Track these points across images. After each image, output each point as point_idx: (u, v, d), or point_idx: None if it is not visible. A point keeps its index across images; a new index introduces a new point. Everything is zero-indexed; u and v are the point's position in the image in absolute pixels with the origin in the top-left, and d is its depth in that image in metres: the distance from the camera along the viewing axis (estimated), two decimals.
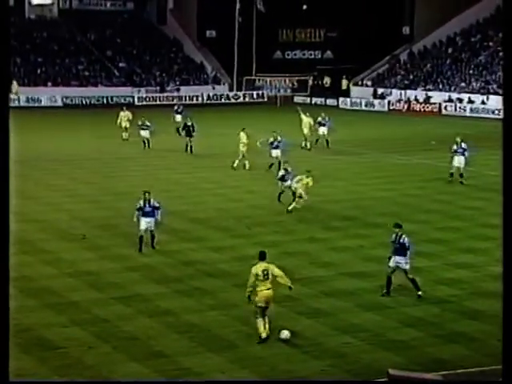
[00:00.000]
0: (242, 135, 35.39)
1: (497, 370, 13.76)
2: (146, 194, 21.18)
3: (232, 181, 32.63)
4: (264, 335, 15.08)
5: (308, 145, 40.80)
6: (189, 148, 39.00)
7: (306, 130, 40.83)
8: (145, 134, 40.14)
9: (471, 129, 51.01)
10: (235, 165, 34.70)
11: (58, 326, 15.93)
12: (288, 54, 79.75)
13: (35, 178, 32.23)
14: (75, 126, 52.14)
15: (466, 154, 31.85)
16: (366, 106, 66.12)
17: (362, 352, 14.73)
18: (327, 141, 40.84)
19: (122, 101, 65.08)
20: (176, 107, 48.62)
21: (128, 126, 43.11)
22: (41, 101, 63.04)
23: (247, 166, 34.52)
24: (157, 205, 21.11)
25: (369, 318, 16.61)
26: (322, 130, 41.22)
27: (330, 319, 16.54)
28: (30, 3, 72.41)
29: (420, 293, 17.48)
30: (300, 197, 25.91)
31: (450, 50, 70.33)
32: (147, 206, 20.99)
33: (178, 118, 46.20)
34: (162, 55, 74.11)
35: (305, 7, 79.33)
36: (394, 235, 17.77)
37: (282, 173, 28.02)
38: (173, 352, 14.70)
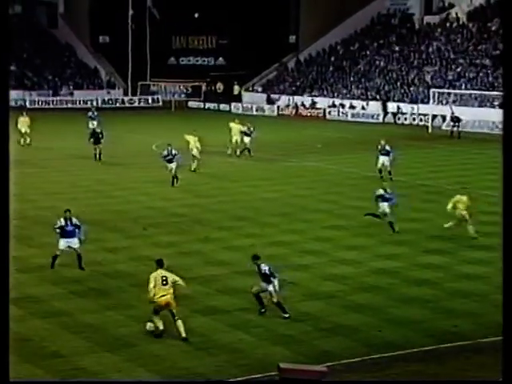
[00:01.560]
0: (191, 138, 34.51)
1: (376, 359, 14.27)
2: (67, 213, 19.34)
3: (127, 182, 32.26)
4: (161, 328, 15.19)
5: (237, 152, 39.51)
6: (97, 156, 37.26)
7: (235, 138, 39.68)
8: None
9: (352, 133, 52.53)
10: (193, 168, 33.99)
11: None
12: (182, 60, 79.60)
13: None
14: None
15: (391, 154, 33.11)
16: (257, 110, 66.81)
17: (255, 347, 14.87)
18: (249, 150, 39.90)
19: (13, 104, 63.06)
20: (90, 113, 45.24)
21: (28, 131, 41.53)
22: None
23: (193, 167, 34.07)
24: (78, 223, 19.40)
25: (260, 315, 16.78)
26: (246, 140, 40.05)
27: (225, 316, 16.62)
28: None
29: (287, 315, 16.42)
30: (465, 220, 23.05)
31: (332, 58, 72.09)
32: (69, 225, 19.17)
33: (92, 124, 43.56)
34: (53, 59, 72.41)
35: (196, 15, 79.42)
36: (256, 267, 16.85)
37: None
38: (68, 352, 14.41)
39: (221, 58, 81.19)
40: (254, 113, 66.03)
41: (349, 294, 18.28)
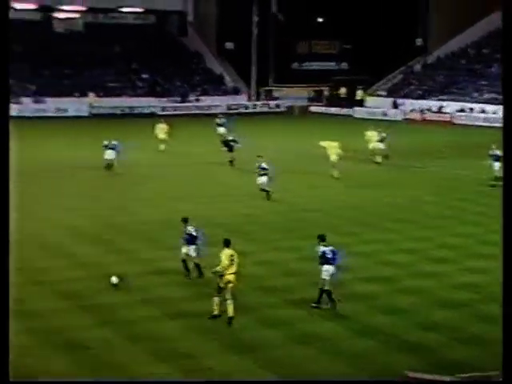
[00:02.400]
0: (329, 144, 34.48)
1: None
2: (188, 222, 19.25)
3: (253, 187, 32.58)
4: (216, 313, 16.24)
5: (378, 159, 38.96)
6: (231, 162, 37.06)
7: (372, 144, 39.26)
8: (110, 155, 35.47)
9: (481, 137, 50.86)
10: (336, 175, 33.83)
11: (89, 328, 16.05)
12: (305, 65, 79.84)
13: (60, 185, 32.54)
14: (101, 135, 52.25)
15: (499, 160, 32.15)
16: (381, 115, 66.00)
17: (379, 353, 14.72)
18: (386, 155, 38.76)
19: (145, 111, 65.46)
20: (218, 120, 45.03)
21: (165, 137, 41.96)
22: (67, 111, 63.47)
23: (336, 175, 33.94)
24: (194, 234, 19.17)
25: (386, 320, 16.61)
26: (380, 146, 39.41)
27: (348, 322, 16.56)
28: (57, 17, 73.03)
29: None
30: None
31: (463, 61, 70.11)
32: (191, 232, 19.19)
33: (221, 130, 44.03)
34: (183, 67, 74.50)
35: (320, 20, 79.48)
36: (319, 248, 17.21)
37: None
38: (198, 353, 14.76)
39: (344, 63, 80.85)
40: (378, 117, 65.27)
41: (481, 303, 17.76)
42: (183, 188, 32.55)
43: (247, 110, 69.97)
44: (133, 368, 14.05)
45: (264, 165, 29.84)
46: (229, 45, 76.68)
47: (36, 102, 63.48)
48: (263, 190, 29.76)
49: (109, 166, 35.38)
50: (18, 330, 15.62)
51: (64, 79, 67.74)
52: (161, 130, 42.59)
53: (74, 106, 63.87)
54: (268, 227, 25.37)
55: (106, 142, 35.80)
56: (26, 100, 63.29)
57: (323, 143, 35.13)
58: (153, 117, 59.56)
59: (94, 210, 27.52)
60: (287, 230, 24.81)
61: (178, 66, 74.12)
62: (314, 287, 17.72)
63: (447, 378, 10.91)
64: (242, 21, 71.17)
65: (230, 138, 38.24)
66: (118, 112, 64.98)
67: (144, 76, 71.93)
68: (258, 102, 72.00)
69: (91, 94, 65.21)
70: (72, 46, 71.60)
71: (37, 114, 61.73)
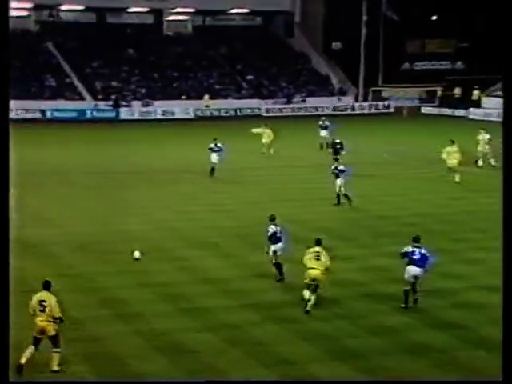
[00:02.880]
0: (449, 149, 33.97)
1: None
2: (274, 220, 19.99)
3: (357, 190, 32.39)
4: (307, 299, 17.52)
5: (480, 162, 38.29)
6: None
7: (480, 148, 38.59)
8: (214, 158, 35.70)
9: None
10: (457, 179, 33.32)
11: (191, 331, 16.43)
12: (416, 65, 78.54)
13: (167, 188, 33.32)
14: (206, 137, 53.32)
15: None
16: (497, 116, 64.03)
17: (492, 366, 14.38)
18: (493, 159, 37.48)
19: (250, 113, 66.22)
20: (320, 122, 44.91)
21: (269, 141, 42.15)
22: (174, 113, 64.96)
23: (457, 179, 33.48)
24: (279, 234, 19.79)
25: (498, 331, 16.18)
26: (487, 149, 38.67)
27: (461, 332, 16.25)
28: (167, 20, 75.00)
29: None
30: None
31: None
32: (278, 231, 19.75)
33: (323, 133, 44.06)
34: (289, 67, 74.92)
35: (434, 17, 77.94)
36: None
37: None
38: (299, 358, 14.86)
39: (459, 62, 78.97)
40: (496, 119, 63.35)
41: None
42: (285, 191, 32.74)
43: (354, 112, 69.57)
44: (233, 371, 14.29)
45: (341, 167, 29.61)
46: (336, 45, 76.46)
47: (145, 105, 65.44)
48: (344, 195, 29.32)
49: (213, 169, 36.04)
50: (123, 331, 16.22)
51: (172, 82, 69.59)
52: (264, 134, 42.94)
53: (181, 108, 65.33)
54: (372, 231, 25.18)
55: (211, 145, 36.45)
56: (136, 103, 65.34)
57: (445, 149, 34.34)
58: (258, 119, 60.19)
59: (196, 214, 28.12)
60: (393, 235, 24.52)
61: (283, 67, 74.61)
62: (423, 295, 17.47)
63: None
64: (350, 20, 70.81)
65: (337, 140, 38.01)
66: (223, 114, 66.06)
67: (249, 77, 72.83)
68: (365, 103, 71.47)
69: (206, 96, 66.38)
70: (180, 48, 73.61)
71: (145, 117, 63.51)
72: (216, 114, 65.80)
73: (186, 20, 75.70)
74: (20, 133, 52.36)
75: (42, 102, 62.82)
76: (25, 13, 69.96)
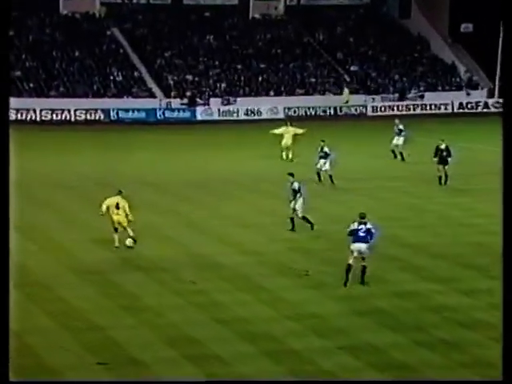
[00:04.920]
0: None
1: None
2: (362, 216, 22.07)
3: (484, 208, 31.86)
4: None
5: None
6: (443, 179, 36.69)
7: None
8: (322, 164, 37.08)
9: None
10: None
11: (276, 377, 16.49)
12: None
13: (247, 202, 33.65)
14: (299, 142, 53.49)
15: None
16: None
17: None
18: None
19: (353, 111, 65.95)
20: (395, 127, 44.28)
21: (289, 145, 43.20)
22: (261, 113, 65.13)
23: None
24: (373, 230, 21.89)
25: None
26: None
27: None
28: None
29: None
30: None
31: None
32: (362, 229, 21.87)
33: (399, 139, 43.78)
34: (402, 56, 74.32)
35: None
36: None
37: None
38: None
39: None
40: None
41: None
42: (397, 207, 32.53)
43: (488, 110, 67.91)
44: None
45: None
46: (466, 27, 75.22)
47: (225, 103, 66.01)
48: None
49: (319, 174, 37.05)
50: (194, 373, 16.46)
51: (258, 75, 69.82)
52: (285, 133, 43.44)
53: (268, 106, 65.31)
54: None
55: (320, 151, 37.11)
56: (215, 101, 66.07)
57: None
58: (362, 118, 59.89)
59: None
60: None
61: (396, 56, 74.07)
62: None
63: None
64: None
65: (443, 146, 37.31)
66: (321, 113, 65.88)
67: (353, 68, 72.62)
68: (501, 100, 70.02)
69: (346, 90, 66.35)
70: (269, 34, 73.86)
71: (226, 118, 64.26)
72: (311, 112, 65.77)
73: (276, 0, 76.18)
74: (82, 136, 54.27)
75: (106, 100, 64.40)
76: None
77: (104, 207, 25.24)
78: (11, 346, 11.29)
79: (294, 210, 27.82)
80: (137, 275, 23.21)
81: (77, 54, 68.56)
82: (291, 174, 28.26)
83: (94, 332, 18.56)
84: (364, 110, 66.27)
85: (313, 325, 19.43)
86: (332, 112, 66.18)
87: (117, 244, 25.24)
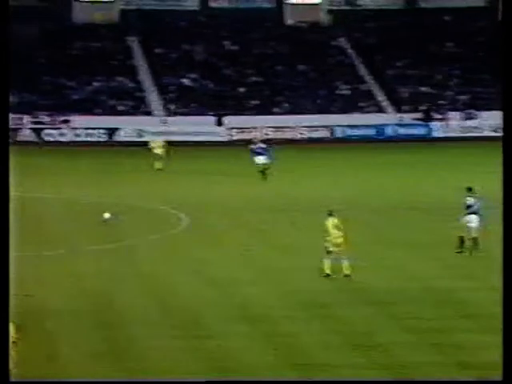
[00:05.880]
0: None
1: None
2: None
3: None
4: None
5: None
6: None
7: None
8: None
9: None
10: None
11: None
12: None
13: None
14: None
15: None
16: None
17: None
18: None
19: None
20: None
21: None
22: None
23: None
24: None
25: None
26: None
27: None
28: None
29: None
30: None
31: None
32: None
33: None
34: None
35: None
36: None
37: None
38: None
39: None
40: None
41: None
42: None
43: None
44: None
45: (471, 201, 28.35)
46: None
47: (467, 117, 63.92)
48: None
49: None
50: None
51: None
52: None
53: None
54: None
55: None
56: (454, 115, 64.23)
57: None
58: None
59: None
60: None
61: None
62: None
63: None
64: None
65: None
66: None
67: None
68: None
69: None
70: None
71: (467, 134, 62.44)
72: None
73: None
74: (305, 156, 54.03)
75: (330, 116, 64.12)
76: (316, 0, 72.13)
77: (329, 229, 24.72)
78: None
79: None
80: (363, 308, 22.14)
81: (301, 67, 69.00)
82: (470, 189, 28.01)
83: (322, 371, 17.50)
84: None
85: None
86: None
87: (328, 271, 24.46)
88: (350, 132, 63.10)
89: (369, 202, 37.87)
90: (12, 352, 14.91)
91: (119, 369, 17.16)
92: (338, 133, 63.01)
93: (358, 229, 29.90)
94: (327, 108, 65.83)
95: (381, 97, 66.89)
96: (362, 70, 69.24)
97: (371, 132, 63.13)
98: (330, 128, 63.07)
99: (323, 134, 63.09)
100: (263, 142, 45.79)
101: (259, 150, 44.09)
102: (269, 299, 22.93)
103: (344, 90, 67.54)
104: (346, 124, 63.42)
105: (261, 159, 43.67)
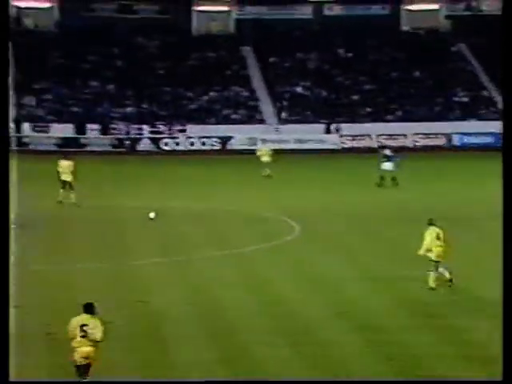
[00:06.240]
0: None
1: None
2: None
3: None
4: None
5: None
6: None
7: None
8: None
9: None
10: None
11: None
12: None
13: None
14: None
15: None
16: None
17: None
18: None
19: None
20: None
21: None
22: None
23: None
24: None
25: None
26: None
27: None
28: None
29: None
30: None
31: None
32: None
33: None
34: None
35: None
36: None
37: None
38: None
39: None
40: None
41: None
42: None
43: None
44: None
45: None
46: None
47: None
48: None
49: None
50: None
51: None
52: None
53: None
54: None
55: None
56: None
57: None
58: None
59: None
60: None
61: None
62: None
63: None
64: None
65: None
66: None
67: None
68: None
69: None
70: None
71: None
72: None
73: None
74: (419, 164, 53.03)
75: (447, 123, 63.31)
76: (435, 6, 71.55)
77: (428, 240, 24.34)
78: None
79: None
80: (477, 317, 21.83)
81: (417, 74, 68.43)
82: None
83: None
84: None
85: None
86: None
87: (432, 284, 24.21)
88: (467, 140, 62.11)
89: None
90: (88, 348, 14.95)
91: (232, 375, 17.35)
92: (456, 140, 62.11)
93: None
94: (444, 115, 65.01)
95: (502, 103, 65.65)
96: (482, 77, 68.21)
97: (489, 140, 61.53)
98: (447, 135, 62.24)
99: (440, 141, 62.28)
100: (392, 149, 45.51)
101: (389, 156, 43.88)
102: (386, 310, 22.80)
103: (463, 97, 66.62)
104: (463, 132, 62.43)
105: (388, 166, 43.54)
